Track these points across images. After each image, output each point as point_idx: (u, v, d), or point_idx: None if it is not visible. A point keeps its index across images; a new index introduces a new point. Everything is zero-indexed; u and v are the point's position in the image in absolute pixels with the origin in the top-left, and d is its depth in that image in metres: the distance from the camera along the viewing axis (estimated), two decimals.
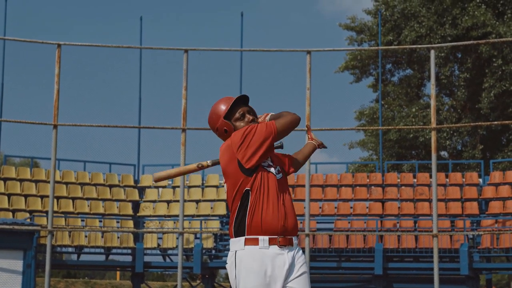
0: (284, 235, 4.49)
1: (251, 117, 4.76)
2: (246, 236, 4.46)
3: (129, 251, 19.83)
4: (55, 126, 16.56)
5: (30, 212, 19.86)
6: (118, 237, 19.59)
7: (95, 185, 21.49)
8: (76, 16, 70.71)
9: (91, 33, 68.09)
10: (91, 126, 17.88)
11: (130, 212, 21.04)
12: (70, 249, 19.91)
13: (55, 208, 19.43)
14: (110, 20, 72.36)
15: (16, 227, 16.73)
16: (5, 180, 20.72)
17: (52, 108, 16.69)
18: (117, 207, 21.01)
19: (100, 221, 20.30)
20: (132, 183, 22.07)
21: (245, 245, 4.45)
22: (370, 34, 32.79)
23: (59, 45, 16.80)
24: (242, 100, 4.84)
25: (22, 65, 21.97)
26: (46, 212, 19.06)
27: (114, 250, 19.93)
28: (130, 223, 20.52)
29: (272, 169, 4.65)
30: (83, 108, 22.83)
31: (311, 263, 16.47)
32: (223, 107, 4.77)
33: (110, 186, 21.64)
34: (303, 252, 15.08)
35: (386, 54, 32.25)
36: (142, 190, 22.06)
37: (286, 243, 4.49)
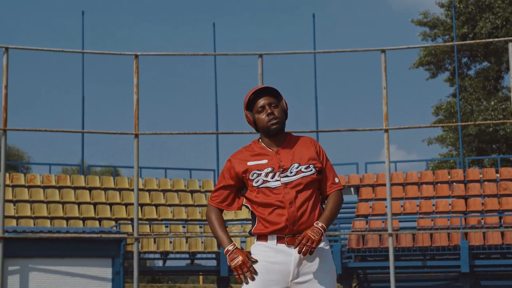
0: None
1: (269, 110, 4.65)
2: None
3: (214, 255, 20.06)
4: (136, 136, 16.89)
5: (116, 220, 20.32)
6: (202, 242, 19.85)
7: (176, 191, 21.85)
8: (151, 27, 71.81)
9: (166, 42, 69.02)
10: (171, 134, 18.20)
11: None
12: (155, 255, 20.28)
13: (140, 216, 19.83)
14: (183, 29, 73.21)
15: (103, 235, 17.13)
16: (90, 189, 21.27)
17: (132, 117, 17.06)
18: (199, 213, 21.30)
19: (184, 227, 20.62)
20: (212, 188, 22.33)
21: None
22: (444, 29, 32.33)
23: (136, 56, 17.13)
24: (267, 92, 4.72)
25: (101, 77, 22.51)
26: (131, 219, 19.47)
27: (198, 255, 20.21)
28: None
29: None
30: (162, 116, 23.25)
31: (396, 263, 16.35)
32: (245, 98, 4.75)
33: (192, 192, 21.97)
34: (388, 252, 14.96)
35: (462, 47, 31.74)
36: None
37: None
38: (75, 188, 21.22)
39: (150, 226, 20.24)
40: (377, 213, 20.36)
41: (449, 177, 20.99)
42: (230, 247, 4.50)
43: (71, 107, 23.29)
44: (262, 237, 4.54)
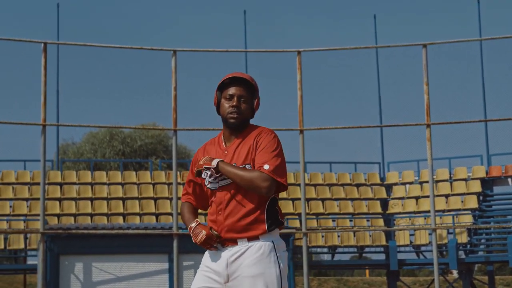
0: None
1: (235, 102, 4.38)
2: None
3: (382, 249, 19.90)
4: (301, 131, 17.04)
5: (284, 215, 20.57)
6: (370, 236, 19.73)
7: (342, 185, 21.84)
8: (313, 22, 72.09)
9: (327, 37, 69.07)
10: (336, 129, 18.23)
11: (379, 210, 21.13)
12: (323, 249, 20.37)
13: (307, 210, 19.99)
14: (343, 22, 72.97)
15: None
16: None
17: (297, 114, 17.21)
18: (366, 206, 21.19)
19: (351, 221, 20.58)
20: (378, 181, 22.17)
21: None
22: None
23: (299, 52, 17.27)
24: (244, 83, 4.43)
25: (264, 75, 22.84)
26: (298, 214, 19.67)
27: (366, 249, 20.12)
28: (380, 221, 20.60)
29: None
30: (326, 111, 23.31)
31: None
32: (223, 78, 4.50)
33: (357, 185, 21.89)
34: None
35: None
36: (389, 188, 22.08)
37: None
38: None
39: (317, 221, 20.36)
40: None
41: None
42: (192, 224, 4.37)
43: None
44: None
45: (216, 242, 4.32)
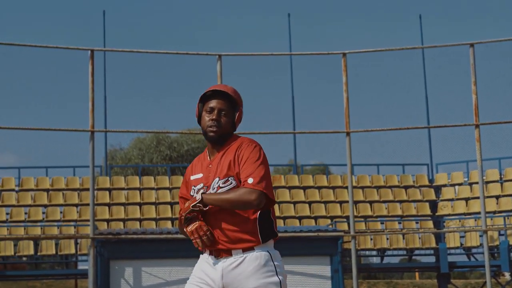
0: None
1: (215, 116, 4.34)
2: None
3: (432, 251, 19.68)
4: (348, 134, 16.95)
5: (331, 218, 20.49)
6: (419, 238, 19.52)
7: (390, 187, 21.66)
8: (358, 24, 71.72)
9: (372, 38, 68.67)
10: (382, 131, 18.08)
11: (428, 212, 20.90)
12: (372, 252, 20.22)
13: (355, 213, 19.87)
14: (389, 23, 72.47)
15: (320, 233, 17.35)
16: (304, 188, 21.59)
17: (343, 116, 17.12)
18: (415, 208, 20.98)
19: (399, 223, 20.40)
20: (427, 183, 21.94)
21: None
22: None
23: (344, 54, 17.19)
24: (226, 96, 4.39)
25: (311, 77, 22.80)
26: (346, 217, 19.56)
27: (416, 251, 19.92)
28: (430, 223, 20.37)
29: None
30: (372, 112, 23.15)
31: None
32: (205, 91, 4.45)
33: (406, 187, 21.68)
34: None
35: None
36: (438, 189, 21.84)
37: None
38: (289, 188, 21.64)
39: (365, 223, 20.21)
40: None
41: None
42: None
43: (282, 108, 23.77)
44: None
45: (205, 234, 4.22)
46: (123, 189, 21.36)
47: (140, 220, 20.23)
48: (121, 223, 20.08)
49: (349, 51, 17.23)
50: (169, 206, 20.73)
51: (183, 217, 4.26)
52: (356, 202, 20.57)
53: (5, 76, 20.30)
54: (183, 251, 16.47)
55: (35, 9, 65.18)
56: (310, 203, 21.12)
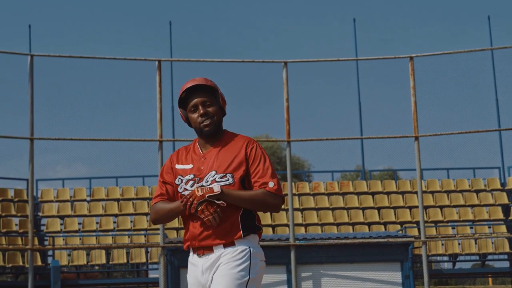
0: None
1: (202, 110, 4.25)
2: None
3: (505, 256, 19.25)
4: (416, 138, 16.72)
5: (401, 223, 20.25)
6: (492, 243, 19.12)
7: (461, 191, 21.30)
8: (424, 28, 70.93)
9: (439, 41, 67.82)
10: (451, 134, 17.78)
11: (501, 216, 20.47)
12: (444, 258, 19.90)
13: (425, 218, 19.60)
14: (456, 26, 71.45)
15: (390, 239, 17.14)
16: (372, 194, 21.41)
17: (411, 120, 16.90)
18: (487, 212, 20.58)
19: (471, 228, 20.03)
20: (499, 187, 21.50)
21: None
22: None
23: (411, 58, 16.98)
24: (200, 88, 4.30)
25: (377, 82, 22.62)
26: (416, 222, 19.30)
27: (489, 256, 19.52)
28: (503, 228, 19.94)
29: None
30: (441, 115, 22.80)
31: None
32: (179, 95, 4.35)
33: (477, 192, 21.29)
34: None
35: None
36: (510, 193, 21.37)
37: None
38: (358, 194, 21.48)
39: (436, 229, 19.91)
40: None
41: None
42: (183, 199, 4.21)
43: (349, 114, 23.66)
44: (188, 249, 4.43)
45: (217, 213, 4.14)
46: (302, 195, 21.57)
47: (320, 225, 20.43)
48: (303, 228, 20.36)
49: (416, 54, 17.01)
50: (345, 211, 20.88)
51: (191, 204, 4.15)
52: (426, 207, 20.29)
53: (76, 88, 20.70)
54: (366, 255, 16.76)
55: (102, 22, 66.42)
56: (379, 208, 20.92)
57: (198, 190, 4.13)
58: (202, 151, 4.34)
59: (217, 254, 4.22)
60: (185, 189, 4.28)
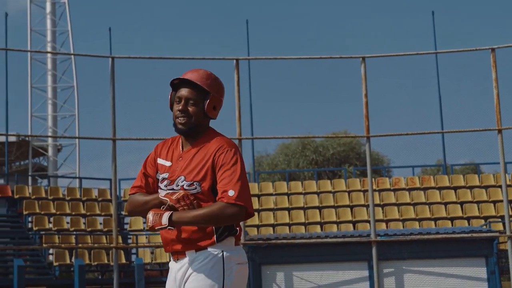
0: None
1: (182, 106, 4.04)
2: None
3: None
4: (500, 131, 16.38)
5: (485, 218, 19.86)
6: None
7: None
8: (505, 19, 69.35)
9: None
10: None
11: None
12: None
13: (510, 212, 19.15)
14: None
15: (474, 234, 16.84)
16: (455, 188, 21.05)
17: (493, 113, 16.56)
18: None
19: None
20: None
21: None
22: None
23: (492, 50, 16.63)
24: (195, 85, 4.09)
25: (458, 75, 22.21)
26: (501, 217, 18.90)
27: None
28: None
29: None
30: None
31: None
32: (173, 80, 4.14)
33: None
34: None
35: None
36: None
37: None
38: (439, 189, 21.16)
39: None
40: None
41: None
42: (162, 192, 4.07)
43: (429, 108, 23.34)
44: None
45: (192, 206, 3.97)
46: (271, 194, 21.60)
47: (289, 225, 20.38)
48: (271, 228, 20.29)
49: (498, 46, 16.65)
50: (317, 211, 20.76)
51: (151, 225, 4.04)
52: (511, 201, 19.84)
53: (156, 89, 21.00)
54: (332, 255, 16.47)
55: (180, 22, 67.26)
56: (462, 203, 20.57)
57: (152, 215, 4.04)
58: (182, 148, 4.18)
59: (189, 258, 4.06)
60: (160, 188, 4.16)
